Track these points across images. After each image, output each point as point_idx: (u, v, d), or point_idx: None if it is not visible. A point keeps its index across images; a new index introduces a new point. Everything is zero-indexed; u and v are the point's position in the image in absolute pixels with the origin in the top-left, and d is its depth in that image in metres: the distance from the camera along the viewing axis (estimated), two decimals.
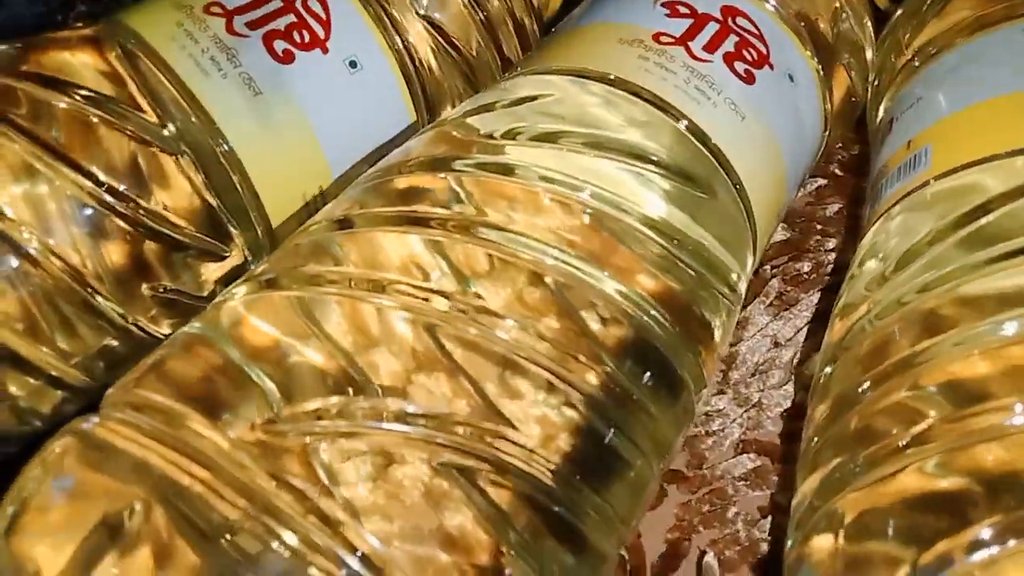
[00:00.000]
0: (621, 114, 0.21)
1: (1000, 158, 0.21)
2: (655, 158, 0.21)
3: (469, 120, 0.21)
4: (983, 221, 0.20)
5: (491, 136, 0.20)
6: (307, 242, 0.19)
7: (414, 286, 0.17)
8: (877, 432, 0.18)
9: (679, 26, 0.24)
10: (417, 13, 0.28)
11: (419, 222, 0.18)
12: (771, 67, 0.24)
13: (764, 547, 0.23)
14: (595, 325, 0.18)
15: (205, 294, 0.25)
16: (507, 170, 0.19)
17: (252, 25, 0.25)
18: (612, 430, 0.17)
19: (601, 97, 0.22)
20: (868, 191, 0.26)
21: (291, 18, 0.26)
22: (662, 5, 0.24)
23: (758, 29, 0.25)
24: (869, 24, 0.28)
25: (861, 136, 0.32)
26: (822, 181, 0.32)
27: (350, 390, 0.15)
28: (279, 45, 0.25)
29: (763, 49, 0.24)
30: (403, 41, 0.27)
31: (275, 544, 0.13)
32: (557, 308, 0.17)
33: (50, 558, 0.14)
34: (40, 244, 0.22)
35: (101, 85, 0.24)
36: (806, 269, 0.29)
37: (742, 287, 0.22)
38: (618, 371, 0.18)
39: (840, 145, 0.33)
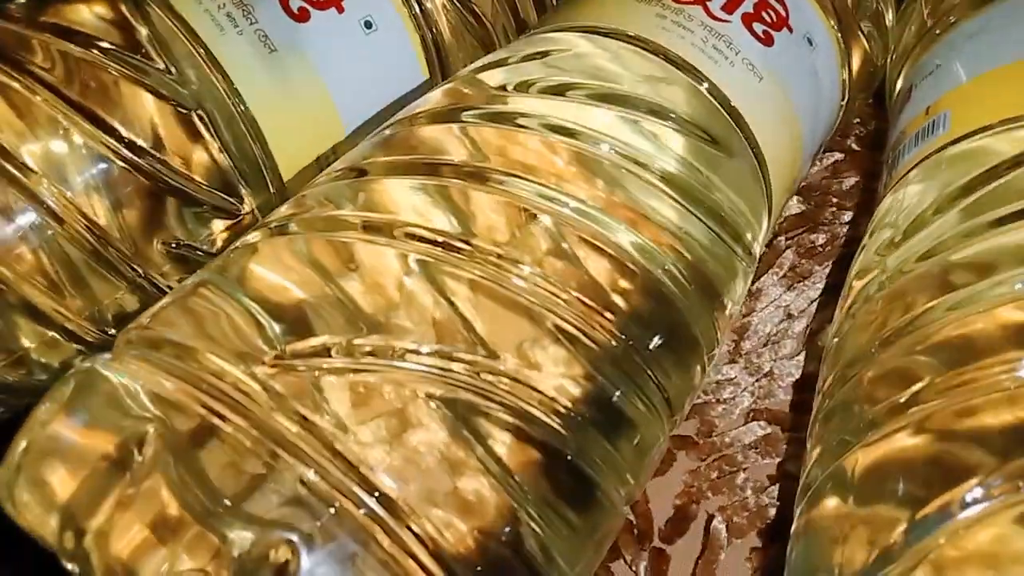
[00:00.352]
0: (637, 70, 0.21)
1: (1016, 121, 0.21)
2: (672, 114, 0.20)
3: (481, 76, 0.21)
4: (985, 190, 0.20)
5: (503, 88, 0.20)
6: (318, 189, 0.19)
7: (427, 229, 0.16)
8: (878, 395, 0.18)
9: None
10: None
11: (432, 170, 0.18)
12: (790, 30, 0.24)
13: (772, 513, 0.23)
14: (611, 276, 0.18)
15: (216, 250, 0.25)
16: (518, 120, 0.19)
17: None
18: (624, 382, 0.17)
19: (616, 53, 0.21)
20: (885, 159, 0.26)
21: None
22: None
23: None
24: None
25: (878, 111, 0.32)
26: (839, 155, 0.32)
27: (362, 329, 0.15)
28: (295, 2, 0.25)
29: (782, 11, 0.24)
30: (418, 2, 0.27)
31: (289, 477, 0.13)
32: (572, 258, 0.17)
33: (63, 487, 0.14)
34: (60, 197, 0.22)
35: (118, 38, 0.24)
36: (820, 241, 0.29)
37: (756, 250, 0.22)
38: (632, 323, 0.17)
39: (857, 120, 0.33)
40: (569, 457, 0.16)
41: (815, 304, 0.28)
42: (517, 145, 0.19)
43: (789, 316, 0.28)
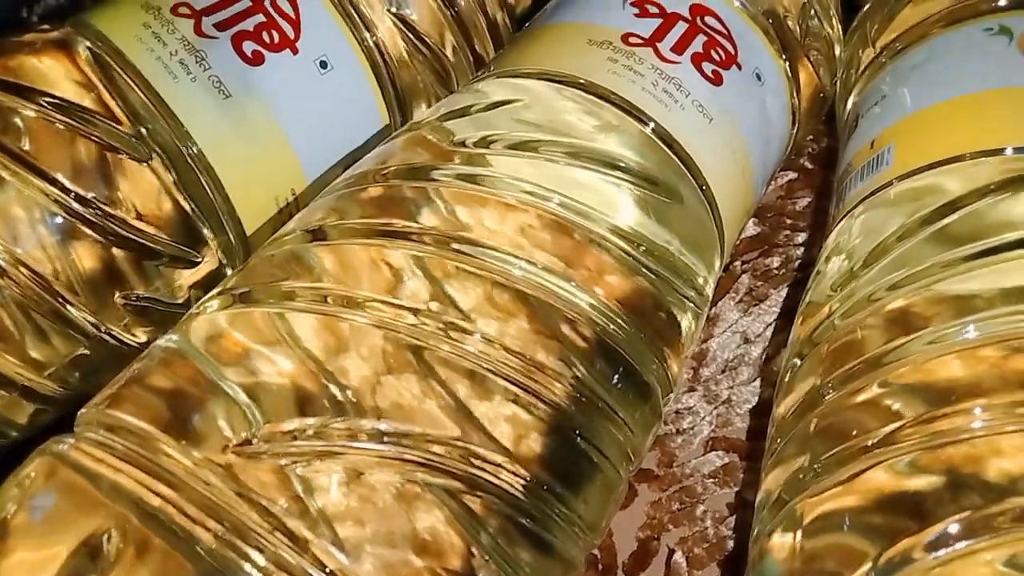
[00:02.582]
0: (591, 120, 0.21)
1: (960, 160, 0.21)
2: (623, 164, 0.21)
3: (444, 125, 0.21)
4: (952, 218, 0.21)
5: (464, 144, 0.20)
6: (281, 253, 0.19)
7: (387, 303, 0.17)
8: (844, 430, 0.18)
9: (648, 26, 0.24)
10: (387, 10, 0.27)
11: (393, 235, 0.18)
12: (739, 67, 0.24)
13: (731, 544, 0.24)
14: (562, 335, 0.18)
15: (179, 300, 0.25)
16: (479, 180, 0.19)
17: (221, 26, 0.25)
18: (579, 439, 0.18)
19: (571, 102, 0.22)
20: (834, 187, 0.26)
21: (260, 18, 0.26)
22: (632, 4, 0.24)
23: (726, 28, 0.25)
24: (838, 19, 0.28)
25: (831, 129, 0.33)
26: (792, 175, 0.33)
27: (325, 408, 0.16)
28: (248, 46, 0.25)
29: (731, 49, 0.24)
30: (374, 39, 0.27)
31: (246, 565, 0.14)
32: (526, 318, 0.18)
33: None
34: (7, 254, 0.22)
35: (69, 91, 0.23)
36: (775, 264, 0.30)
37: (709, 289, 0.23)
38: (584, 380, 0.18)
39: (811, 138, 0.34)
40: (528, 523, 0.16)
41: (771, 328, 0.28)
42: (478, 208, 0.19)
43: (746, 341, 0.28)
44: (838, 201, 0.25)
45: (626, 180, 0.21)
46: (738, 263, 0.30)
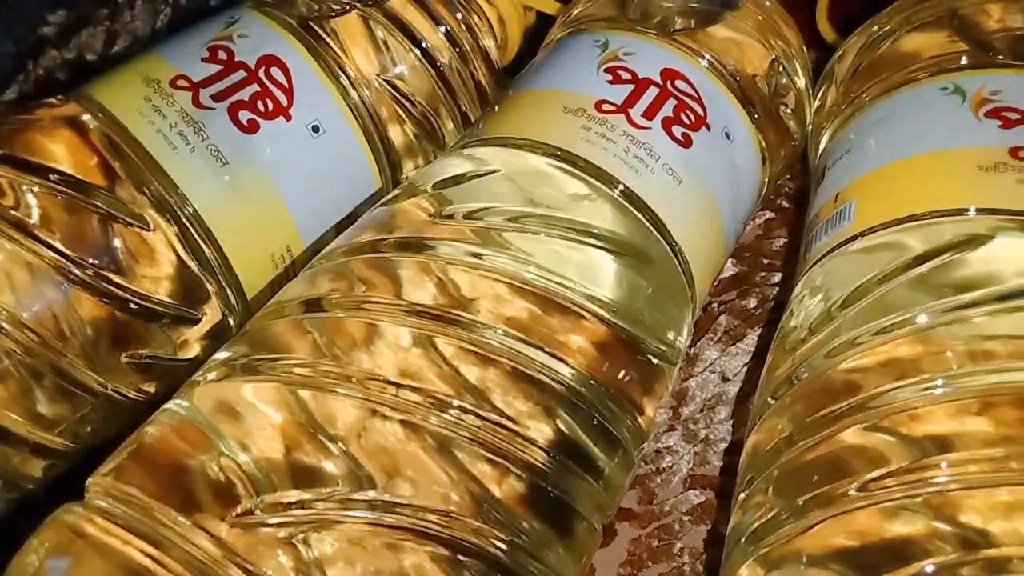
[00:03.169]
0: (564, 189, 0.23)
1: (920, 219, 0.23)
2: (596, 232, 0.22)
3: (434, 194, 0.23)
4: (933, 264, 0.22)
5: (452, 216, 0.22)
6: (279, 326, 0.21)
7: (375, 378, 0.18)
8: (825, 472, 0.20)
9: (620, 93, 0.25)
10: (375, 75, 0.29)
11: (381, 309, 0.20)
12: (708, 128, 0.26)
13: None
14: (537, 400, 0.19)
15: (184, 356, 0.26)
16: (465, 255, 0.21)
17: (217, 97, 0.27)
18: (556, 498, 0.19)
19: (548, 172, 0.23)
20: (804, 234, 0.28)
21: (255, 87, 0.27)
22: (605, 71, 0.26)
23: (696, 91, 0.26)
24: (807, 74, 0.30)
25: (806, 168, 0.34)
26: (770, 214, 0.34)
27: (321, 479, 0.17)
28: (244, 115, 0.27)
29: (700, 111, 0.26)
30: (363, 102, 0.29)
31: None
32: (502, 388, 0.19)
33: None
34: (14, 319, 0.23)
35: (78, 166, 0.25)
36: (752, 305, 0.31)
37: (681, 340, 0.24)
38: (559, 444, 0.19)
39: (788, 177, 0.35)
40: None
41: (747, 367, 0.30)
42: (461, 279, 0.20)
43: (724, 379, 0.30)
44: (805, 251, 0.26)
45: (600, 247, 0.22)
46: (716, 304, 0.31)
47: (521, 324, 0.20)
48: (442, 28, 0.30)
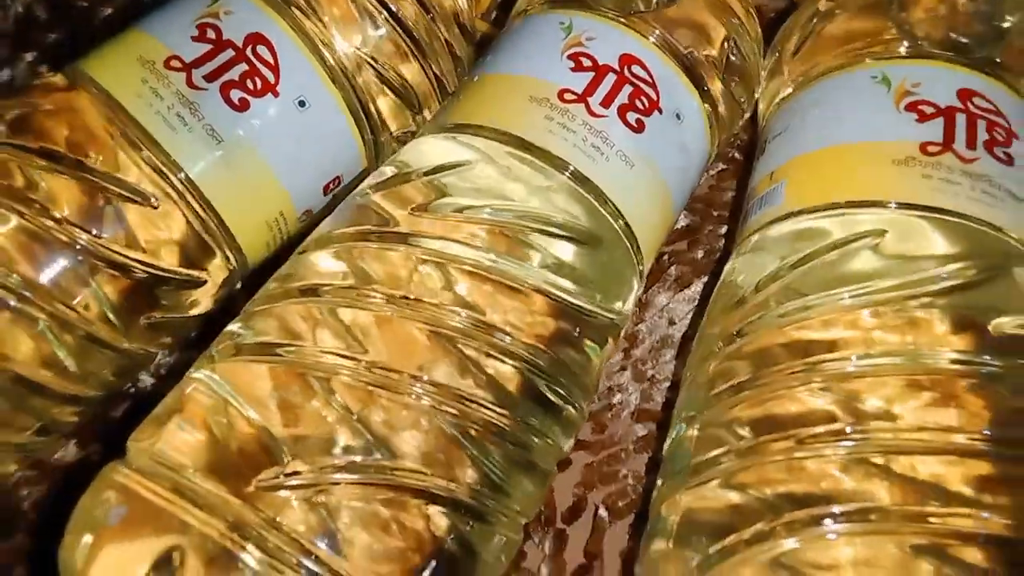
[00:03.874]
0: (529, 180, 0.26)
1: (836, 208, 0.26)
2: (557, 220, 0.25)
3: (402, 189, 0.26)
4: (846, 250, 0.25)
5: (425, 208, 0.25)
6: (285, 311, 0.24)
7: (346, 356, 0.22)
8: (703, 445, 0.24)
9: (581, 81, 0.28)
10: (356, 49, 0.31)
11: (356, 296, 0.23)
12: (660, 111, 0.28)
13: (644, 500, 0.30)
14: (494, 372, 0.23)
15: (194, 313, 0.30)
16: (431, 245, 0.24)
17: (209, 77, 0.29)
18: (516, 450, 0.23)
19: (515, 165, 0.26)
20: (744, 201, 0.31)
21: (244, 67, 0.29)
22: (568, 57, 0.28)
23: (650, 75, 0.28)
24: (758, 51, 0.32)
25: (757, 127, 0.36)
26: (723, 166, 0.37)
27: (328, 448, 0.21)
28: (235, 94, 0.29)
29: (653, 95, 0.28)
30: (343, 72, 0.31)
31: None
32: (458, 365, 0.23)
33: None
34: (34, 287, 0.26)
35: (80, 146, 0.27)
36: (700, 255, 0.35)
37: (628, 307, 0.28)
38: (519, 406, 0.23)
39: (742, 126, 0.37)
40: (483, 520, 0.22)
41: (692, 313, 0.34)
42: (423, 268, 0.24)
43: (671, 323, 0.34)
44: (743, 220, 0.30)
45: (559, 234, 0.25)
46: (667, 254, 0.35)
47: (479, 307, 0.23)
48: None
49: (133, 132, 0.28)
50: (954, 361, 0.22)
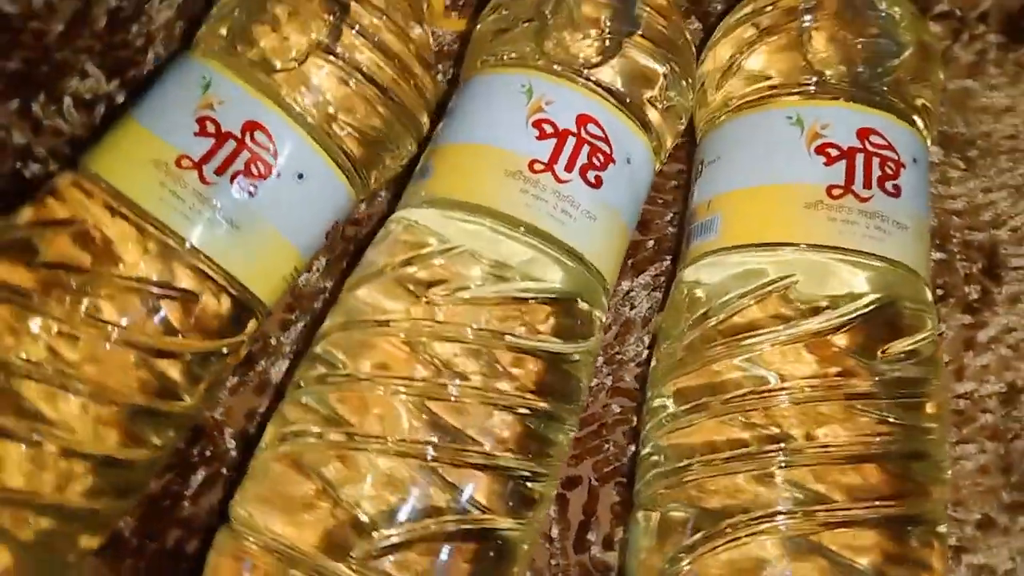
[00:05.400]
0: (517, 255, 0.31)
1: (765, 247, 0.32)
2: (537, 288, 0.31)
3: (412, 272, 0.31)
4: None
5: (428, 300, 0.30)
6: (322, 401, 0.30)
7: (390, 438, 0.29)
8: (683, 451, 0.31)
9: (546, 149, 0.32)
10: (330, 106, 0.34)
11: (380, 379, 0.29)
12: (613, 161, 0.33)
13: (626, 466, 0.37)
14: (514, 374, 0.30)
15: (233, 363, 0.35)
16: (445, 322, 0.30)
17: (219, 171, 0.32)
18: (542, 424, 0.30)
19: (498, 239, 0.31)
20: (685, 221, 0.36)
21: (247, 155, 0.33)
22: (533, 124, 0.32)
23: (603, 131, 0.33)
24: (690, 87, 0.36)
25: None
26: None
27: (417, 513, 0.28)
28: (244, 183, 0.33)
29: (607, 149, 0.33)
30: (330, 136, 0.34)
31: None
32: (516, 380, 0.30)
33: None
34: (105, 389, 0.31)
35: (115, 255, 0.31)
36: (650, 244, 0.41)
37: (603, 315, 0.34)
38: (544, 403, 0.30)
39: None
40: (525, 483, 0.29)
41: (647, 296, 0.40)
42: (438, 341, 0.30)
43: (632, 308, 0.40)
44: (687, 241, 0.35)
45: (541, 299, 0.31)
46: None
47: (485, 367, 0.30)
48: (374, 41, 0.35)
49: (163, 233, 0.32)
50: (849, 384, 0.29)
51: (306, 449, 0.29)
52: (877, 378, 0.29)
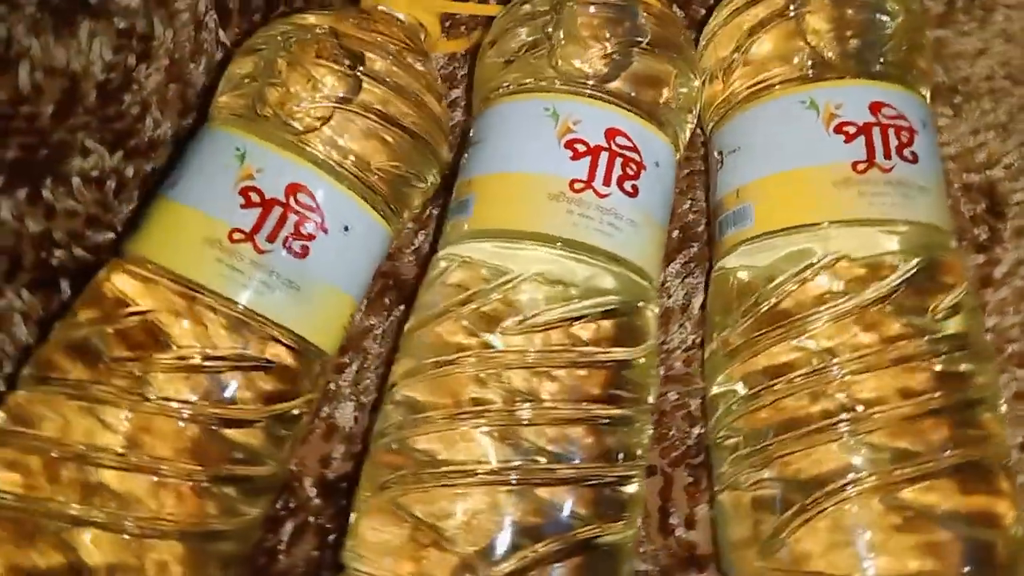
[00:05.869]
0: (579, 274, 0.32)
1: (803, 228, 0.33)
2: (597, 303, 0.32)
3: (470, 308, 0.32)
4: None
5: (506, 330, 0.31)
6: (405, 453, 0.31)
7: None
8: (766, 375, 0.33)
9: (583, 167, 0.33)
10: (374, 168, 0.35)
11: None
12: (645, 168, 0.35)
13: (692, 448, 0.39)
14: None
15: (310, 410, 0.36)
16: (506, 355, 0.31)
17: (271, 238, 0.33)
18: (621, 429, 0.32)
19: (554, 260, 0.32)
20: (712, 212, 0.38)
21: (294, 218, 0.33)
22: (565, 145, 0.34)
23: (631, 141, 0.34)
24: (695, 67, 0.37)
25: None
26: None
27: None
28: (296, 245, 0.33)
29: (638, 157, 0.34)
30: (367, 185, 0.35)
31: None
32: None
33: None
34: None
35: (188, 338, 0.32)
36: (675, 234, 0.42)
37: (656, 311, 0.35)
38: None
39: None
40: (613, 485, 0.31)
41: (681, 285, 0.42)
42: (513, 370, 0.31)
43: (669, 297, 0.42)
44: (719, 232, 0.37)
45: (602, 314, 0.32)
46: None
47: (555, 387, 0.31)
48: (389, 84, 0.36)
49: (227, 307, 0.32)
50: (905, 346, 0.31)
51: (407, 492, 0.31)
52: (928, 336, 0.31)
